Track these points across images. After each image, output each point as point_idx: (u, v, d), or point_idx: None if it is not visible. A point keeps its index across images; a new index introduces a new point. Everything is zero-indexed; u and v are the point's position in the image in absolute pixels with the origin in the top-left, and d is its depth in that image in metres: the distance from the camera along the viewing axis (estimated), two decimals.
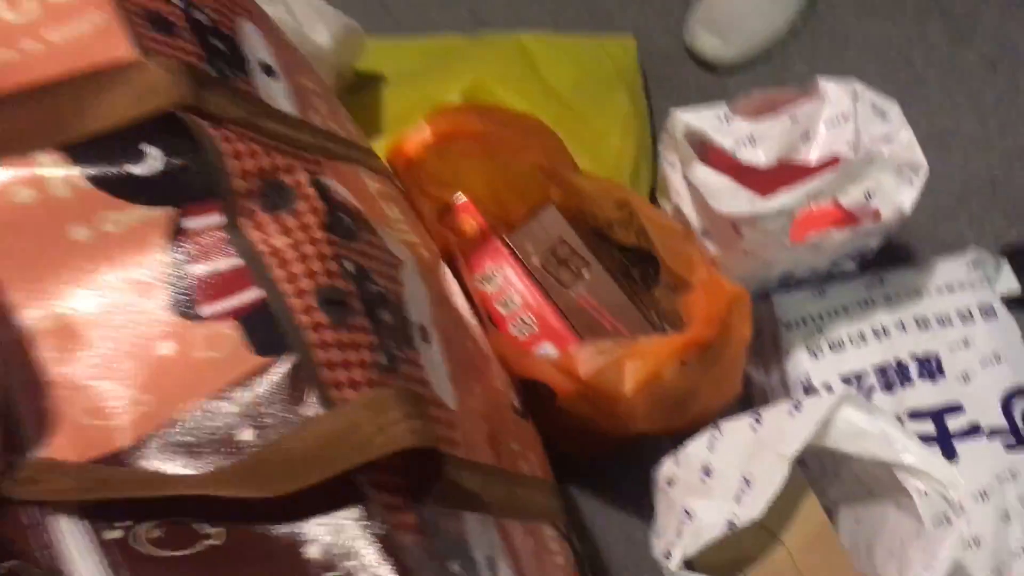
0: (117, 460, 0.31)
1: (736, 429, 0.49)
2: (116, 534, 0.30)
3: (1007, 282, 0.63)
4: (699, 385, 0.53)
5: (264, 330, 0.34)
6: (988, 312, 0.59)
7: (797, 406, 0.48)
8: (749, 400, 0.65)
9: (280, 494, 0.31)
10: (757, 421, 0.48)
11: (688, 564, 0.46)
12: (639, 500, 0.64)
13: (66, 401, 0.32)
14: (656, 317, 0.59)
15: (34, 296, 0.33)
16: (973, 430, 0.56)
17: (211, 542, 0.31)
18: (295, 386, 0.33)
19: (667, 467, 0.50)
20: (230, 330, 0.33)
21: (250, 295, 0.34)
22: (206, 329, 0.33)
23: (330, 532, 0.32)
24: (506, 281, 0.58)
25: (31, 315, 0.33)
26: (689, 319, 0.54)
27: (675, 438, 0.65)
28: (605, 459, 0.65)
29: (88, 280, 0.33)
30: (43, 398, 0.32)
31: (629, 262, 0.61)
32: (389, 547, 0.31)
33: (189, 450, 0.32)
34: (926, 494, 0.46)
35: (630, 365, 0.50)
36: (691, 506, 0.47)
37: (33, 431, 0.32)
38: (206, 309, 0.33)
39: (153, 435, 0.32)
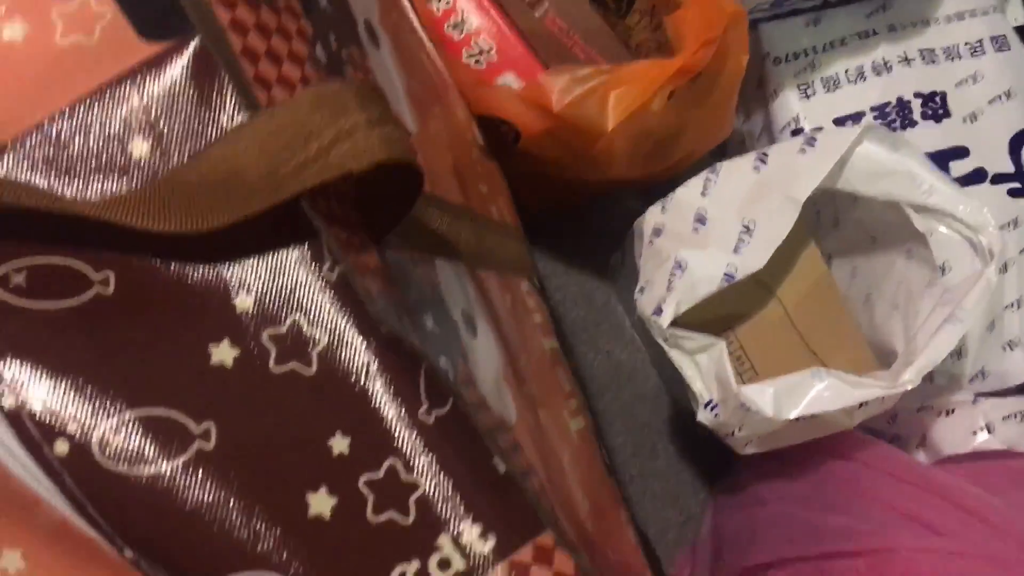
0: None
1: (736, 170, 0.42)
2: None
3: (1016, 11, 0.55)
4: (687, 122, 0.45)
5: (151, 5, 0.24)
6: (1000, 44, 0.52)
7: (810, 141, 0.41)
8: (723, 151, 0.58)
9: (201, 229, 0.22)
10: (762, 161, 0.41)
11: (676, 323, 0.40)
12: (599, 261, 0.58)
13: None
14: (632, 48, 0.50)
15: None
16: (977, 176, 0.50)
17: (96, 291, 0.22)
18: (203, 82, 0.24)
19: (653, 216, 0.43)
20: (102, 5, 0.23)
21: None
22: (68, 5, 0.23)
23: (268, 277, 0.24)
24: None
25: None
26: (678, 42, 0.45)
27: (642, 194, 0.59)
28: (565, 214, 0.58)
29: None
30: None
31: None
32: (346, 294, 0.24)
33: (65, 167, 0.23)
34: (948, 239, 0.40)
35: (614, 95, 0.42)
36: (683, 258, 0.40)
37: None
38: None
39: (8, 146, 0.23)
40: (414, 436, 0.24)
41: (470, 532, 0.24)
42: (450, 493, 0.24)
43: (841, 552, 0.40)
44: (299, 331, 0.24)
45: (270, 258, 0.24)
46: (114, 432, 0.22)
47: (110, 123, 0.23)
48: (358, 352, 0.24)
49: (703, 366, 0.40)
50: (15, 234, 0.22)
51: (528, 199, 0.51)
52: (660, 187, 0.48)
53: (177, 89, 0.23)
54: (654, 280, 0.41)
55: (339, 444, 0.23)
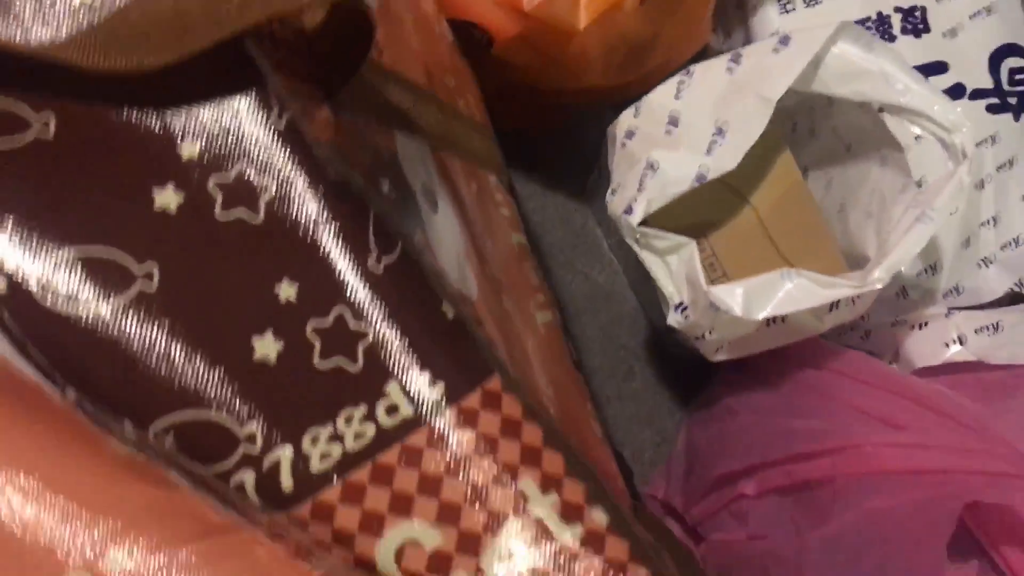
0: None
1: (709, 72, 0.41)
2: None
3: None
4: (661, 28, 0.45)
5: None
6: None
7: (784, 41, 0.40)
8: None
9: (144, 67, 0.22)
10: (735, 62, 0.41)
11: (646, 225, 0.40)
12: (576, 184, 0.58)
13: None
14: None
15: None
16: (956, 91, 0.50)
17: (36, 135, 0.22)
18: None
19: (625, 119, 0.43)
20: None
21: None
22: None
23: (214, 124, 0.23)
24: None
25: None
26: None
27: (618, 112, 0.58)
28: (542, 132, 0.57)
29: None
30: None
31: None
32: (295, 141, 0.23)
33: (7, 12, 0.22)
34: (922, 142, 0.40)
35: None
36: (655, 159, 0.40)
37: None
38: None
39: None
40: (363, 284, 0.23)
41: (418, 379, 0.23)
42: (398, 341, 0.23)
43: (808, 453, 0.40)
44: (246, 179, 0.23)
45: (216, 105, 0.23)
46: (54, 270, 0.22)
47: None
48: (306, 200, 0.23)
49: (673, 267, 0.40)
50: None
51: (504, 115, 0.50)
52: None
53: None
54: (626, 182, 0.41)
55: (286, 291, 0.23)
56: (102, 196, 0.22)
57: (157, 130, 0.23)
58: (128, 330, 0.22)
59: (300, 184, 0.23)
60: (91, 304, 0.22)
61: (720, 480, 0.46)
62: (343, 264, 0.23)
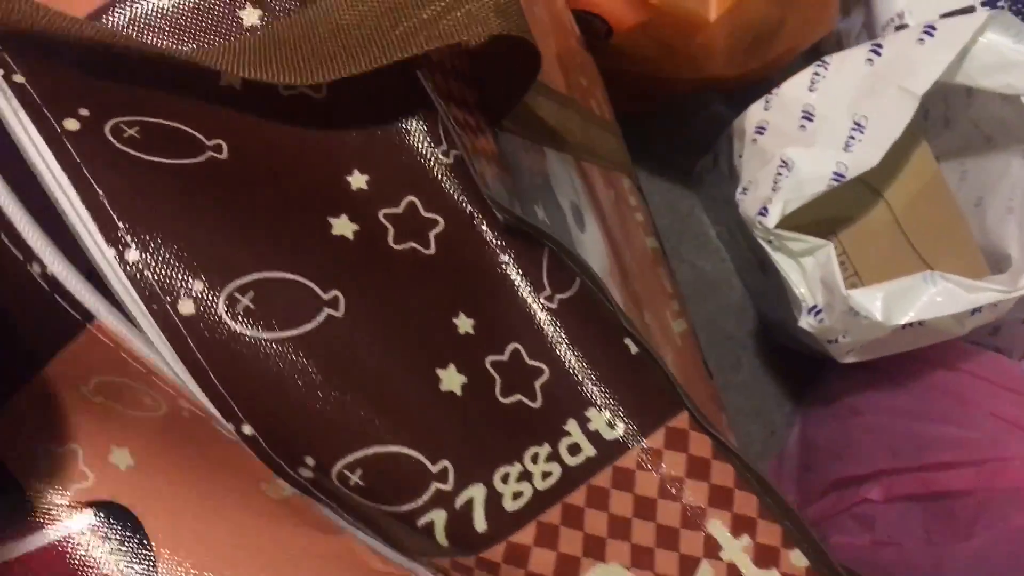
0: None
1: (847, 63, 0.39)
2: (73, 125, 0.20)
3: None
4: (788, 13, 0.43)
5: None
6: None
7: (929, 31, 0.38)
8: (818, 53, 0.55)
9: (312, 80, 0.21)
10: (876, 52, 0.39)
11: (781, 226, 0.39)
12: (683, 168, 0.56)
13: None
14: None
15: None
16: None
17: (210, 154, 0.21)
18: None
19: (755, 113, 0.41)
20: None
21: None
22: None
23: (383, 157, 0.23)
24: None
25: None
26: None
27: (727, 98, 0.57)
28: (648, 119, 0.56)
29: None
30: None
31: None
32: (463, 177, 0.22)
33: (171, 25, 0.22)
34: None
35: None
36: (789, 156, 0.38)
37: None
38: None
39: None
40: (537, 321, 0.23)
41: (599, 417, 0.23)
42: (576, 377, 0.23)
43: (947, 463, 0.39)
44: (415, 211, 0.23)
45: (384, 137, 0.23)
46: (241, 292, 0.21)
47: None
48: (476, 235, 0.23)
49: (808, 269, 0.39)
50: (123, 88, 0.21)
51: (612, 101, 0.49)
52: (748, 90, 0.46)
53: None
54: (758, 180, 0.39)
55: (463, 324, 0.22)
56: (284, 220, 0.21)
57: (326, 160, 0.22)
58: (314, 359, 0.21)
59: (469, 219, 0.23)
60: (278, 329, 0.21)
61: (842, 482, 0.45)
62: (516, 300, 0.23)
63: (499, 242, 0.23)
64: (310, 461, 0.21)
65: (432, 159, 0.23)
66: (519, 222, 0.22)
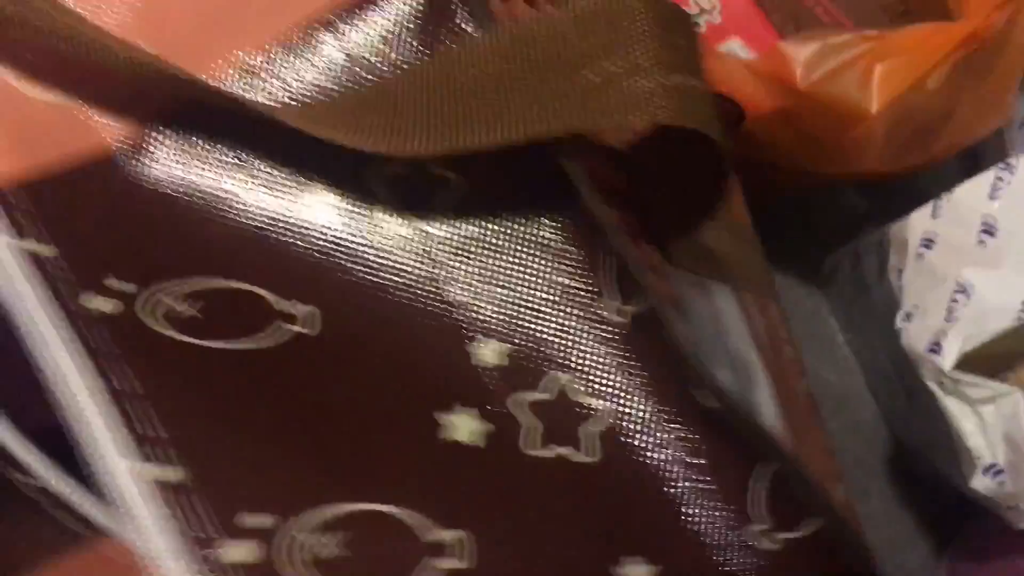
0: None
1: None
2: (108, 306, 0.15)
3: None
4: (958, 104, 0.36)
5: None
6: None
7: None
8: (974, 158, 0.48)
9: (403, 153, 0.15)
10: None
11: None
12: (809, 264, 0.49)
13: None
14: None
15: None
16: None
17: (295, 328, 0.16)
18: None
19: (920, 221, 0.35)
20: None
21: None
22: None
23: (517, 317, 0.16)
24: None
25: None
26: (960, 2, 0.36)
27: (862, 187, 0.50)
28: (771, 207, 0.49)
29: None
30: None
31: None
32: (640, 342, 0.16)
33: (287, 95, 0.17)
34: None
35: (881, 69, 0.33)
36: (968, 279, 0.32)
37: None
38: None
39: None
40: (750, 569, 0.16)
41: None
42: None
43: None
44: (567, 396, 0.16)
45: (518, 289, 0.16)
46: (313, 532, 0.15)
47: (331, 50, 0.17)
48: (660, 434, 0.16)
49: (988, 420, 0.32)
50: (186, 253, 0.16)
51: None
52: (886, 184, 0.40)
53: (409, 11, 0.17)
54: (926, 306, 0.32)
55: (634, 574, 0.16)
56: (383, 431, 0.16)
57: (441, 327, 0.16)
58: None
59: (647, 407, 0.16)
60: None
61: None
62: (717, 541, 0.16)
63: (694, 444, 0.16)
64: None
65: (593, 317, 0.17)
66: (732, 410, 0.16)
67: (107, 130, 0.16)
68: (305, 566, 0.15)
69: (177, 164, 0.16)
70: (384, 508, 0.15)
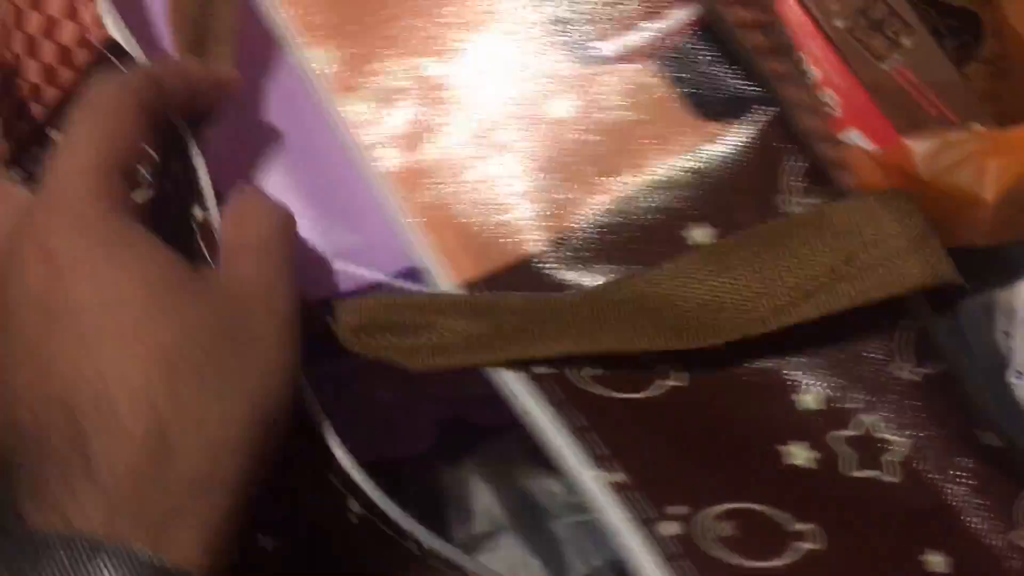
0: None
1: None
2: (544, 369, 0.22)
3: None
4: None
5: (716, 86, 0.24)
6: None
7: None
8: None
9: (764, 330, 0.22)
10: None
11: None
12: None
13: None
14: None
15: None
16: None
17: (671, 383, 0.22)
18: (770, 156, 0.23)
19: None
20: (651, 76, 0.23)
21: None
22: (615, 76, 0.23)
23: (831, 371, 0.23)
24: (797, 48, 0.45)
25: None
26: None
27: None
28: None
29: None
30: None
31: (942, 28, 0.48)
32: (931, 390, 0.23)
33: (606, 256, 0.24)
34: None
35: (994, 163, 0.39)
36: None
37: None
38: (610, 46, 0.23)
39: (560, 241, 0.23)
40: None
41: None
42: None
43: None
44: (874, 435, 0.23)
45: (830, 355, 0.23)
46: (713, 519, 0.21)
47: (651, 205, 0.23)
48: (944, 462, 0.22)
49: None
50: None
51: None
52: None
53: (737, 170, 0.23)
54: None
55: (934, 561, 0.22)
56: (739, 449, 0.22)
57: (773, 379, 0.23)
58: None
59: (937, 441, 0.23)
60: (754, 562, 0.21)
61: None
62: (995, 542, 0.22)
63: (974, 473, 0.22)
64: None
65: (894, 371, 0.23)
66: (1011, 446, 0.23)
67: None
68: (712, 540, 0.21)
69: None
70: (757, 507, 0.22)
